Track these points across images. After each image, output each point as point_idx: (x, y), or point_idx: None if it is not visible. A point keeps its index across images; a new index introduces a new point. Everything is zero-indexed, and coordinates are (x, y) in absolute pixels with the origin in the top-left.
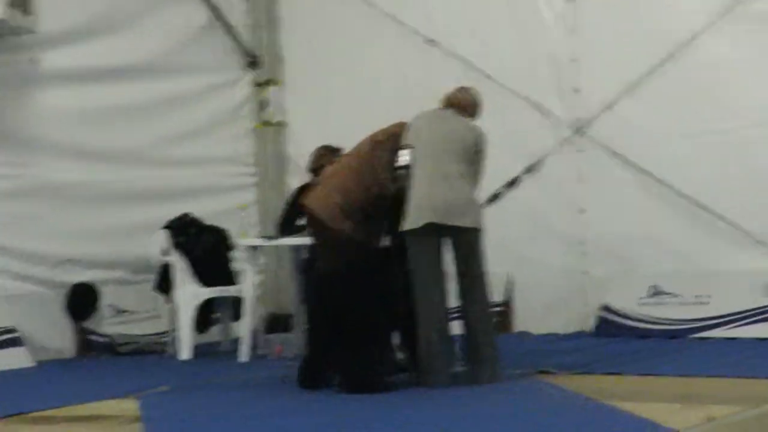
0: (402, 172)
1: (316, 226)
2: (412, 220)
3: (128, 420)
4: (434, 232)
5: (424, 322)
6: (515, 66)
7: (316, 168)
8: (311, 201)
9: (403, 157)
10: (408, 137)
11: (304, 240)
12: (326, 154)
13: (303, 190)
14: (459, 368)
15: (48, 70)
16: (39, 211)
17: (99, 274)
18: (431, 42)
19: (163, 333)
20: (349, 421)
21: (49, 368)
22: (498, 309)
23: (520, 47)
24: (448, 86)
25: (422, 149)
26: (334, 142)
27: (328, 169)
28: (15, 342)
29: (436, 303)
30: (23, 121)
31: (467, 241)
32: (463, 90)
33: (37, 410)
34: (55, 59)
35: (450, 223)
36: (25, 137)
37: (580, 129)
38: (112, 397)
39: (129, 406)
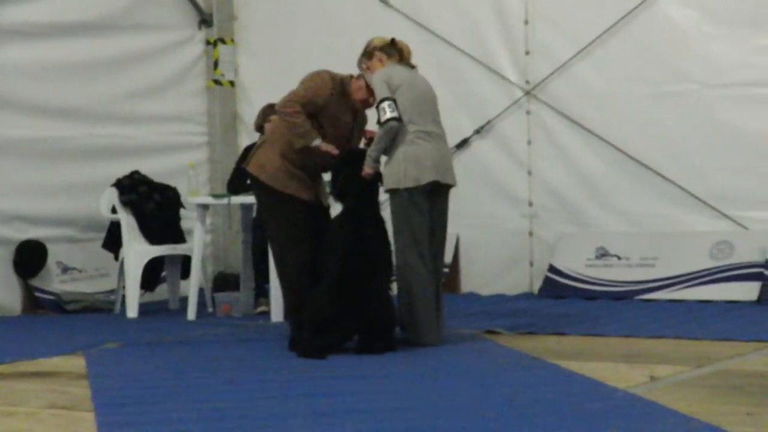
0: (393, 123)
1: (261, 189)
2: (412, 178)
3: (75, 376)
4: (430, 191)
5: (420, 282)
6: (468, 27)
7: (262, 126)
8: (253, 165)
9: (390, 110)
10: (384, 90)
11: (253, 199)
12: (272, 112)
13: (250, 149)
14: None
15: (2, 26)
16: None
17: (47, 231)
18: (385, 2)
19: (111, 291)
20: (292, 378)
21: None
22: (445, 269)
23: (472, 8)
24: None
25: (413, 106)
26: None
27: (268, 128)
28: None
29: (429, 262)
30: None
31: (446, 200)
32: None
33: None
34: (8, 15)
35: (446, 181)
36: None
37: (530, 91)
38: (59, 354)
39: (76, 362)
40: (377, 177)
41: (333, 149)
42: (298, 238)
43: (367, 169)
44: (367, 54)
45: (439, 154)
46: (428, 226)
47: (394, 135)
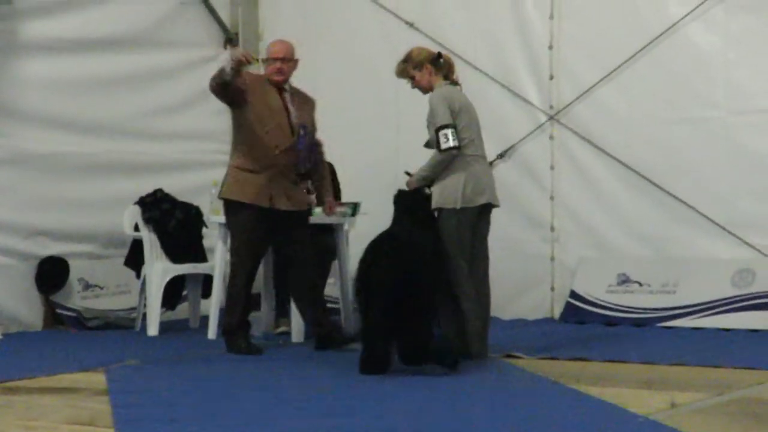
0: (454, 152)
1: (223, 205)
2: (469, 199)
3: (95, 392)
4: (480, 212)
5: (470, 300)
6: (492, 51)
7: None
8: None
9: (453, 138)
10: (444, 117)
11: None
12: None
13: None
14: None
15: (27, 41)
16: (12, 181)
17: (69, 247)
18: (410, 25)
19: (133, 308)
20: (311, 397)
21: (15, 340)
22: None
23: (497, 32)
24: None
25: (470, 130)
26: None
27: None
28: None
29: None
30: (1, 90)
31: (489, 220)
32: None
33: (3, 381)
34: (33, 30)
35: (496, 203)
36: (1, 107)
37: (554, 116)
38: (79, 370)
39: (96, 378)
40: (420, 195)
41: (242, 55)
42: (251, 253)
43: (413, 184)
44: (417, 65)
45: (490, 177)
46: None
47: (449, 163)
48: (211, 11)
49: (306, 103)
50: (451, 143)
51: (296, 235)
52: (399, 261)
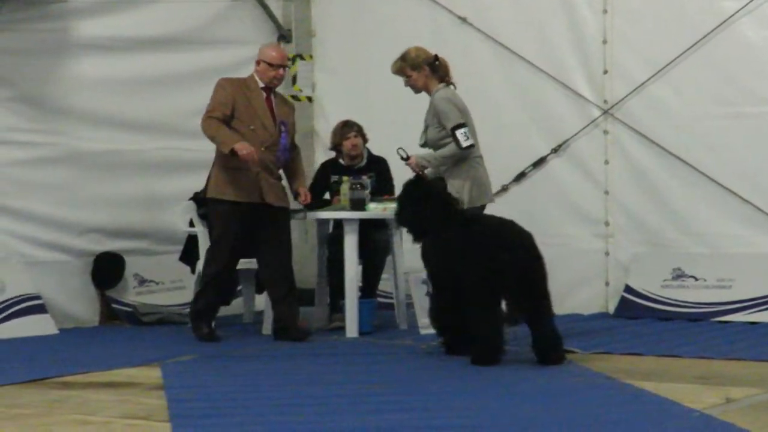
0: (471, 150)
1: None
2: (473, 198)
3: (150, 387)
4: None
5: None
6: (545, 46)
7: (337, 145)
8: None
9: (468, 137)
10: (457, 116)
11: (330, 214)
12: (342, 130)
13: (328, 165)
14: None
15: (81, 40)
16: (68, 178)
17: (124, 243)
18: (463, 20)
19: (187, 304)
20: (363, 393)
21: (72, 336)
22: None
23: (550, 27)
24: (478, 64)
25: (473, 131)
26: (360, 119)
27: None
28: (39, 309)
29: None
30: (55, 89)
31: None
32: None
33: (60, 375)
34: (88, 29)
35: (493, 202)
36: (56, 106)
37: (608, 110)
38: (135, 365)
39: (151, 373)
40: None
41: (251, 154)
42: (230, 249)
43: (418, 165)
44: (415, 65)
45: (488, 177)
46: None
47: (459, 159)
48: (265, 8)
49: (285, 104)
50: (470, 141)
51: (280, 228)
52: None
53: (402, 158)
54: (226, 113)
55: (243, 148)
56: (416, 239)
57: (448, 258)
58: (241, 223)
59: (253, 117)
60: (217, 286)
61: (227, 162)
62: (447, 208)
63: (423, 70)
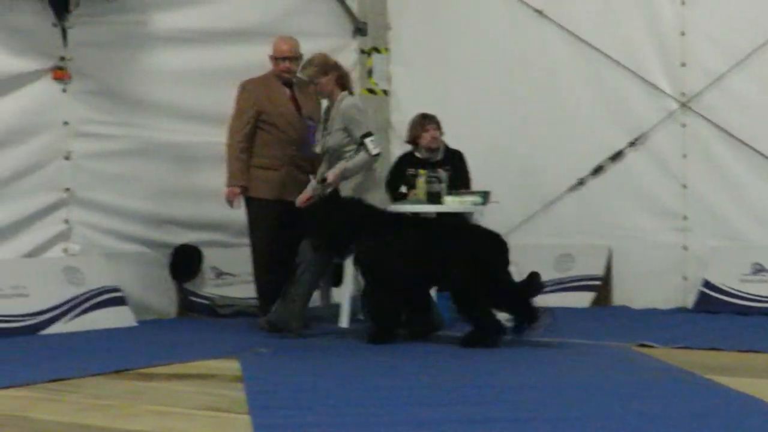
0: (378, 158)
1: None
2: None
3: (229, 378)
4: None
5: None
6: (621, 38)
7: (414, 138)
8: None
9: (377, 144)
10: (367, 124)
11: (405, 207)
12: (420, 123)
13: (404, 158)
14: None
15: (159, 33)
16: (144, 171)
17: (202, 235)
18: (540, 12)
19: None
20: (443, 383)
21: (151, 327)
22: (597, 282)
23: (627, 19)
24: (554, 57)
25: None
26: (435, 112)
27: None
28: (118, 301)
29: None
30: (132, 82)
31: None
32: None
33: (140, 367)
34: (165, 21)
35: None
36: (133, 98)
37: (686, 103)
38: (213, 357)
39: (230, 365)
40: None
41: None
42: (261, 237)
43: (333, 177)
44: (325, 71)
45: None
46: None
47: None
48: (340, 1)
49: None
50: (379, 149)
51: None
52: None
53: (321, 181)
54: (249, 126)
55: (227, 193)
56: (340, 252)
57: (387, 256)
58: (279, 221)
59: (278, 115)
60: (271, 284)
61: (257, 161)
62: (374, 214)
63: (330, 75)
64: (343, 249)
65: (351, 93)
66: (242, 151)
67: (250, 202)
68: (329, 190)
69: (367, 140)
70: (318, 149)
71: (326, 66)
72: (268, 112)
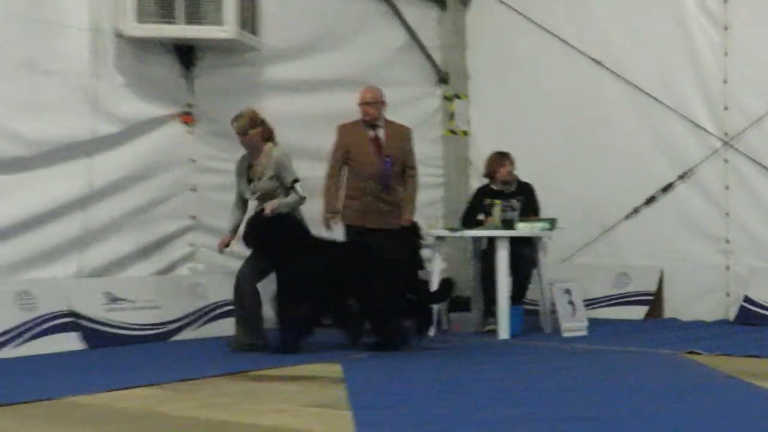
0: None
1: None
2: None
3: (333, 380)
4: None
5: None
6: (671, 85)
7: (490, 173)
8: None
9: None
10: (295, 171)
11: (484, 232)
12: (497, 159)
13: (481, 190)
14: None
15: (271, 82)
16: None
17: None
18: (597, 62)
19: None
20: (522, 387)
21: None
22: (650, 297)
23: (676, 68)
24: (610, 101)
25: None
26: (508, 150)
27: None
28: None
29: None
30: None
31: None
32: None
33: (254, 369)
34: (277, 72)
35: None
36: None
37: (728, 142)
38: (318, 362)
39: (332, 368)
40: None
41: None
42: None
43: (270, 208)
44: (254, 124)
45: None
46: None
47: None
48: (426, 55)
49: (400, 132)
50: (304, 193)
51: (387, 247)
52: None
53: (260, 211)
54: (338, 164)
55: (323, 221)
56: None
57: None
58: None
59: (360, 154)
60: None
61: (346, 192)
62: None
63: (259, 129)
64: (271, 254)
65: (276, 143)
66: (333, 183)
67: (344, 227)
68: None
69: (297, 185)
70: (248, 195)
71: (255, 120)
72: (353, 151)
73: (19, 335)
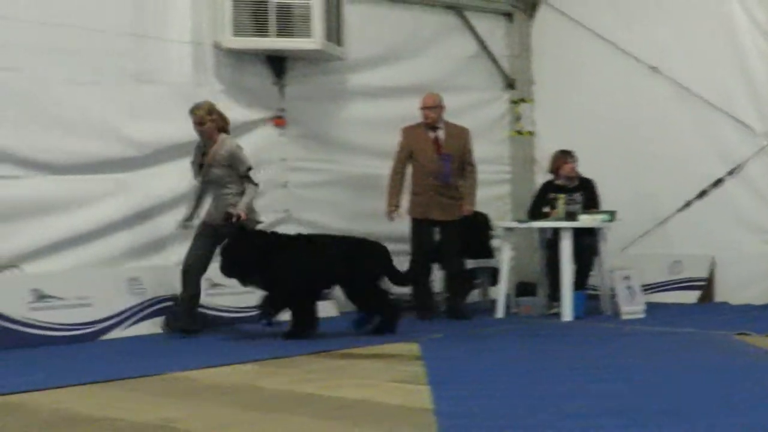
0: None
1: None
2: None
3: (411, 358)
4: None
5: None
6: (721, 88)
7: (554, 169)
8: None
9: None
10: (248, 161)
11: (549, 224)
12: (560, 157)
13: (546, 185)
14: None
15: (354, 89)
16: (343, 196)
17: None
18: (652, 68)
19: (437, 293)
20: (578, 363)
21: (348, 318)
22: (702, 283)
23: (726, 72)
24: (665, 103)
25: None
26: (570, 148)
27: None
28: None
29: None
30: (333, 127)
31: None
32: None
33: (340, 348)
34: (359, 80)
35: None
36: (334, 140)
37: None
38: (397, 342)
39: (410, 348)
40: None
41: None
42: (413, 244)
43: (243, 214)
44: (211, 114)
45: None
46: None
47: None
48: (495, 63)
49: (459, 133)
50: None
51: (449, 236)
52: None
53: (233, 216)
54: (402, 163)
55: (386, 214)
56: (246, 281)
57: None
58: (424, 234)
59: (422, 153)
60: (421, 279)
61: (412, 188)
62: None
63: (215, 118)
64: (250, 278)
65: (229, 133)
66: (396, 180)
67: (411, 221)
68: (238, 221)
69: (250, 173)
70: (198, 181)
71: (211, 110)
72: (415, 151)
73: (128, 318)
